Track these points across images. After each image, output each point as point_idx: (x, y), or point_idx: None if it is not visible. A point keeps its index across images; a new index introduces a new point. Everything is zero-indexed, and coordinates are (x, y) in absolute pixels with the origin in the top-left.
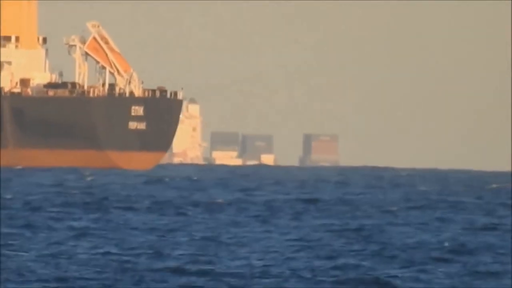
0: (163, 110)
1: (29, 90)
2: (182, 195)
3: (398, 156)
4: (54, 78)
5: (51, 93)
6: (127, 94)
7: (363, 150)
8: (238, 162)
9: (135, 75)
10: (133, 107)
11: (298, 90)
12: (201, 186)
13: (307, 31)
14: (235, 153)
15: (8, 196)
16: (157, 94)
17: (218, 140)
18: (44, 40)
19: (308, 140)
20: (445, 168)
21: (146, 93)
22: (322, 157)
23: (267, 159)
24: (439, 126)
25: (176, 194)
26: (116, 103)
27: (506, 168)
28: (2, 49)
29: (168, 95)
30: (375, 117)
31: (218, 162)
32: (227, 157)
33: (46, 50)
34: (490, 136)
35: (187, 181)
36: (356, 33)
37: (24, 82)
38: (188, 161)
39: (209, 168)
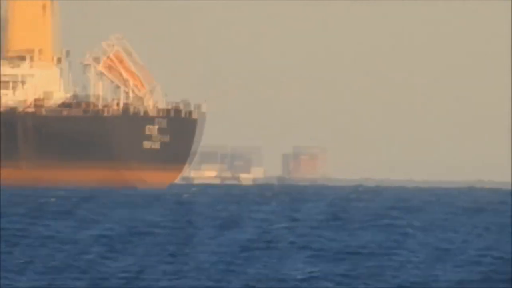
0: (178, 130)
1: (43, 110)
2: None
3: (378, 170)
4: (69, 97)
5: (65, 112)
6: (142, 113)
7: (345, 166)
8: (217, 180)
9: (158, 88)
10: (147, 126)
11: (283, 103)
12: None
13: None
14: (215, 172)
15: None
16: (172, 113)
17: (196, 159)
18: (59, 59)
19: (288, 158)
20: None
21: (161, 113)
22: (303, 174)
23: (246, 177)
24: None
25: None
26: (131, 122)
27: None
28: (18, 68)
29: (183, 114)
30: (354, 134)
31: (197, 181)
32: (208, 176)
33: (61, 69)
34: (482, 148)
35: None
36: (331, 52)
37: (39, 101)
38: None
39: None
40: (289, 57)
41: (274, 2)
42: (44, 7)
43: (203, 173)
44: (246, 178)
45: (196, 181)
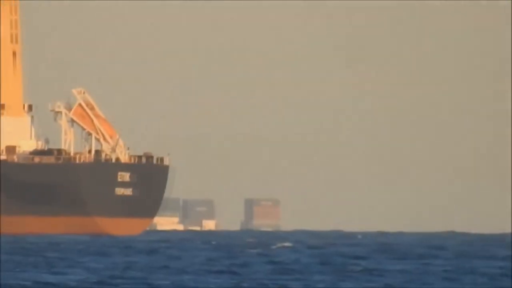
0: (150, 176)
1: (15, 157)
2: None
3: (343, 218)
4: (40, 145)
5: (37, 159)
6: (114, 160)
7: (304, 214)
8: (180, 227)
9: (121, 141)
10: (119, 173)
11: (238, 155)
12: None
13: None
14: (176, 219)
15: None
16: (144, 160)
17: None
18: (30, 107)
19: (249, 204)
20: (392, 230)
21: (133, 159)
22: (264, 222)
23: (209, 224)
24: (381, 186)
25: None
26: (103, 169)
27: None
28: None
29: (155, 161)
30: (316, 181)
31: (159, 227)
32: (169, 223)
33: (32, 117)
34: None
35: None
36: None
37: (10, 150)
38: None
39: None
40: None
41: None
42: (14, 53)
43: (167, 219)
44: (209, 224)
45: (159, 227)
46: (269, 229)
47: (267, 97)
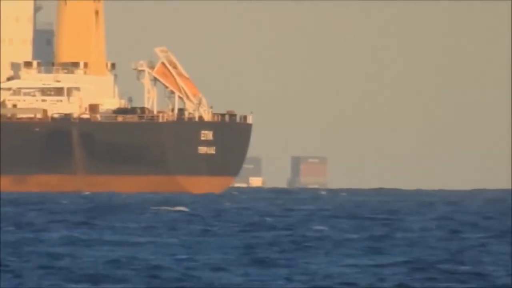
0: (233, 135)
1: (98, 116)
2: None
3: (387, 177)
4: (123, 103)
5: (120, 118)
6: (197, 119)
7: (351, 172)
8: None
9: (204, 100)
10: (202, 132)
11: (287, 113)
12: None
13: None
14: None
15: None
16: (227, 118)
17: None
18: (113, 65)
19: (296, 162)
20: (432, 189)
21: (216, 118)
22: (310, 179)
23: (256, 181)
24: (428, 148)
25: None
26: (186, 128)
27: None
28: (71, 75)
29: (238, 120)
30: (364, 139)
31: None
32: None
33: (115, 75)
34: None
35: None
36: (345, 56)
37: (93, 108)
38: None
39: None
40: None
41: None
42: (97, 12)
43: None
44: (256, 181)
45: None
46: (316, 187)
47: (316, 60)
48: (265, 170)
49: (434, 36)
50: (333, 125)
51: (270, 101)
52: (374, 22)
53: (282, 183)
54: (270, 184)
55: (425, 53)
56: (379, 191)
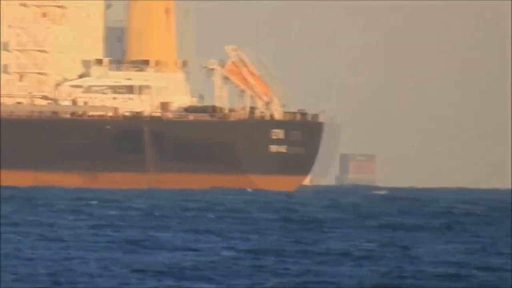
0: (304, 133)
1: (169, 114)
2: None
3: (436, 177)
4: (194, 101)
5: (191, 117)
6: (268, 117)
7: (400, 171)
8: None
9: (275, 98)
10: (273, 130)
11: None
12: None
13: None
14: None
15: None
16: (298, 117)
17: None
18: (184, 63)
19: (344, 159)
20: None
21: (287, 116)
22: (359, 177)
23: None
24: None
25: None
26: (257, 126)
27: None
28: (142, 73)
29: (309, 118)
30: (413, 138)
31: None
32: None
33: (186, 73)
34: None
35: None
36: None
37: (164, 106)
38: None
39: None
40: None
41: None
42: (167, 10)
43: None
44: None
45: None
46: (365, 183)
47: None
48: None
49: None
50: (382, 123)
51: (339, 100)
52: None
53: (330, 181)
54: (318, 182)
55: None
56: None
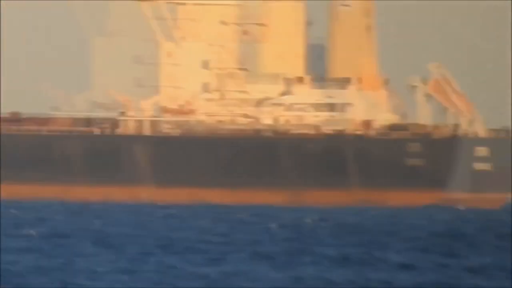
0: (508, 151)
1: (372, 132)
2: None
3: None
4: (397, 119)
5: (394, 135)
6: (471, 135)
7: None
8: None
9: (478, 115)
10: (477, 148)
11: None
12: None
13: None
14: None
15: None
16: (502, 134)
17: None
18: (386, 81)
19: None
20: None
21: (490, 134)
22: None
23: None
24: None
25: None
26: (461, 144)
27: None
28: (344, 91)
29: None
30: None
31: None
32: None
33: (389, 91)
34: None
35: None
36: None
37: (367, 124)
38: None
39: None
40: None
41: None
42: (368, 27)
43: None
44: None
45: None
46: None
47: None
48: None
49: None
50: None
51: None
52: None
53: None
54: None
55: None
56: None
